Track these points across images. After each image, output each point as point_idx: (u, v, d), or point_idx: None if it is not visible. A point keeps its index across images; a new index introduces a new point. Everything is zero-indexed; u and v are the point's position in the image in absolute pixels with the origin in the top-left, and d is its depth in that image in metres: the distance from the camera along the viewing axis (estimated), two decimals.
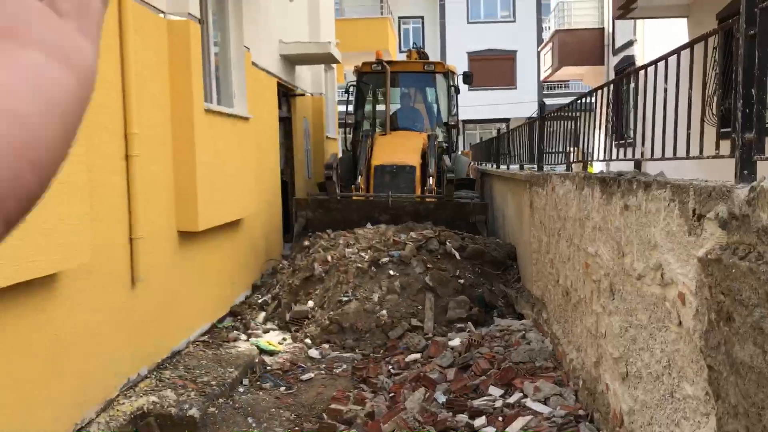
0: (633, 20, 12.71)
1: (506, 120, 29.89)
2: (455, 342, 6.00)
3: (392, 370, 5.82)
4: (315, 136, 12.95)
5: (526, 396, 4.42)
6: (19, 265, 3.56)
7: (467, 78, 11.65)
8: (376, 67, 11.11)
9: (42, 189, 0.28)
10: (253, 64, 8.51)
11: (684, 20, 10.49)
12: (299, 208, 9.44)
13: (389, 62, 11.24)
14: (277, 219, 10.21)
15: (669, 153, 3.77)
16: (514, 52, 31.07)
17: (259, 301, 8.07)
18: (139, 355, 5.40)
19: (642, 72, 4.27)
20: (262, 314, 7.67)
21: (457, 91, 11.26)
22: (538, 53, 29.55)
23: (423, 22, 31.37)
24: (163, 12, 6.01)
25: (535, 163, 6.87)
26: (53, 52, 0.32)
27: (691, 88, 3.11)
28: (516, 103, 30.74)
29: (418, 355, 6.04)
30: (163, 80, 5.98)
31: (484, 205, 8.95)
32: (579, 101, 5.30)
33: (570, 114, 6.31)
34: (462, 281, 7.03)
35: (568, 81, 30.14)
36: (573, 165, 6.55)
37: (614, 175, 3.36)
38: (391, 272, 7.31)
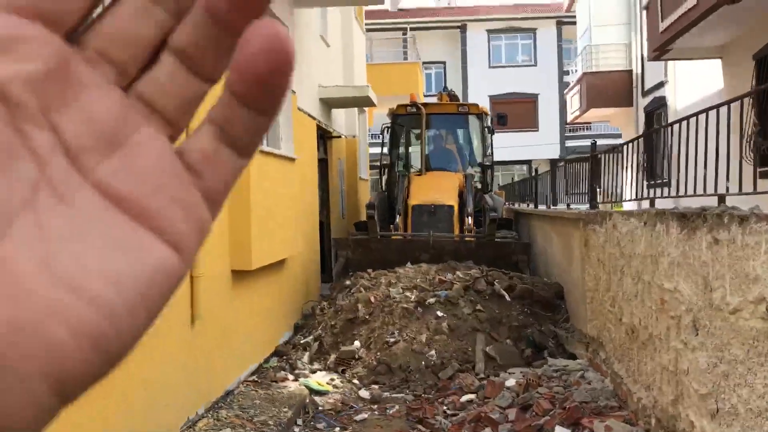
0: (664, 62, 12.84)
1: (528, 162, 30.01)
2: (510, 382, 5.94)
3: (448, 411, 5.76)
4: (349, 177, 13.09)
5: None
6: None
7: (502, 119, 11.77)
8: (411, 109, 11.27)
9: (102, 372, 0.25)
10: (297, 107, 8.68)
11: (718, 61, 10.58)
12: (339, 247, 9.47)
13: (424, 104, 11.40)
14: (315, 259, 10.26)
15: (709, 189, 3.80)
16: (536, 95, 31.35)
17: (302, 341, 8.05)
18: (197, 393, 5.40)
19: (706, 114, 4.33)
20: (307, 354, 7.65)
21: (492, 132, 11.37)
22: (563, 96, 29.83)
23: (445, 68, 31.84)
24: None
25: (577, 202, 6.89)
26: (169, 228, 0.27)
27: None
28: (538, 145, 30.87)
29: (473, 396, 5.98)
30: None
31: (527, 245, 8.94)
32: (634, 142, 5.35)
33: (616, 152, 6.37)
34: (512, 322, 6.99)
35: (590, 123, 30.30)
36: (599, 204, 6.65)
37: (697, 210, 3.37)
38: (439, 313, 7.27)
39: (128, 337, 0.25)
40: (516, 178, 24.78)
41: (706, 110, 4.73)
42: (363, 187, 14.36)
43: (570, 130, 31.74)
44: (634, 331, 4.71)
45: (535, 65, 31.33)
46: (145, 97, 0.28)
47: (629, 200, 6.48)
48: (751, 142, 6.65)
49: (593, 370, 5.83)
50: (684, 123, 5.23)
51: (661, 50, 9.96)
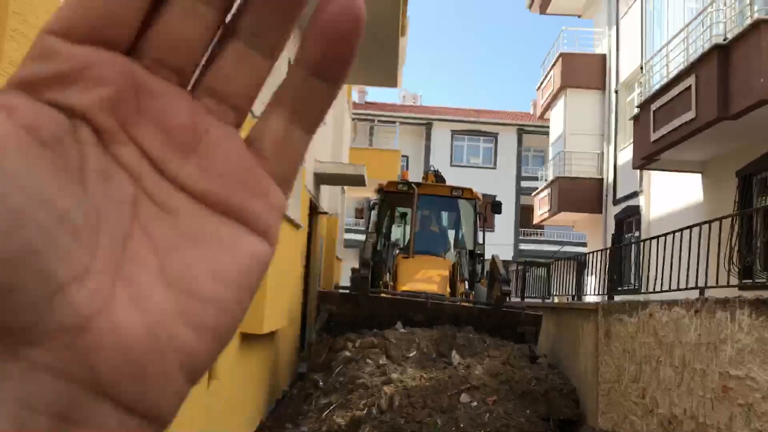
0: (639, 172, 13.44)
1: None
2: None
3: None
4: (327, 255, 12.92)
5: None
6: None
7: (497, 207, 11.67)
8: (403, 187, 11.04)
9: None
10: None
11: (698, 176, 11.13)
12: (324, 301, 8.81)
13: (417, 184, 11.20)
14: (298, 331, 9.94)
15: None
16: (494, 196, 32.11)
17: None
18: None
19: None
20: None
21: (484, 219, 11.26)
22: (520, 200, 30.78)
23: (408, 161, 32.54)
24: None
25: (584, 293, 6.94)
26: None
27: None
28: (493, 245, 31.38)
29: None
30: None
31: (538, 316, 8.15)
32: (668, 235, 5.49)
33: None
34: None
35: (543, 228, 31.15)
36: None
37: None
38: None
39: (236, 322, 0.28)
40: None
41: (702, 224, 5.08)
42: (338, 267, 14.20)
43: (524, 234, 32.51)
44: (672, 422, 4.66)
45: (495, 168, 32.38)
46: (212, 90, 0.29)
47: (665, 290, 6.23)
48: (734, 255, 6.92)
49: None
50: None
51: (648, 159, 10.42)
